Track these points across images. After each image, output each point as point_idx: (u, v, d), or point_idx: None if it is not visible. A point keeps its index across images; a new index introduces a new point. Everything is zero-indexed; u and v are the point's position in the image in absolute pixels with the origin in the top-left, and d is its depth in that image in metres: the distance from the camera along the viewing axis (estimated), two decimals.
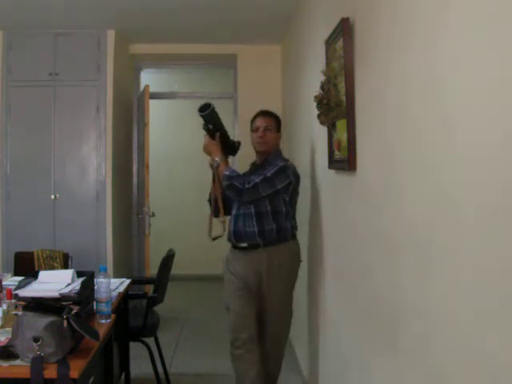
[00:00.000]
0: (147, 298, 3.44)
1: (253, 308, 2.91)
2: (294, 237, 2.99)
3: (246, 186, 2.75)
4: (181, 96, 6.11)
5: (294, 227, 3.00)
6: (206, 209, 3.13)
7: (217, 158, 2.89)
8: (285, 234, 2.90)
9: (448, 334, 1.30)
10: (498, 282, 1.07)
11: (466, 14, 1.21)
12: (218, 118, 2.93)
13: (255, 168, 3.03)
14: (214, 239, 3.03)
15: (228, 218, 3.06)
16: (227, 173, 2.82)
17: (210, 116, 2.85)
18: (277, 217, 2.88)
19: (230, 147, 3.01)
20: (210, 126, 2.90)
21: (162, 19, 4.33)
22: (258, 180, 2.78)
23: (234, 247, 2.99)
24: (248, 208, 2.90)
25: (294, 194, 2.96)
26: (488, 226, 1.11)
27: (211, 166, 2.94)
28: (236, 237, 2.95)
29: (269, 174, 2.79)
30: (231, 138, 3.07)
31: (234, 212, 2.98)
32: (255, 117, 3.09)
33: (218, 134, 2.91)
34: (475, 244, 1.17)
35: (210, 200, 3.11)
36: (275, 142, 3.05)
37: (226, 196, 2.95)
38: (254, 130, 3.05)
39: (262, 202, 2.85)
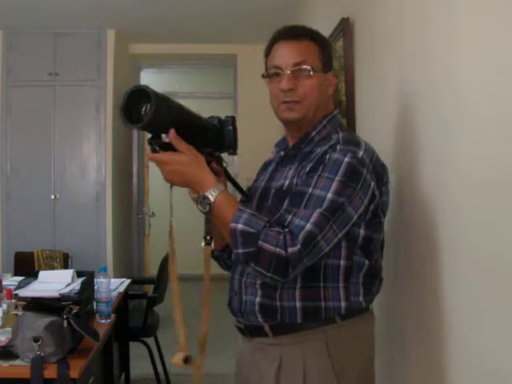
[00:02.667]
0: (147, 297, 3.44)
1: None
2: (365, 309, 1.38)
3: (290, 249, 1.18)
4: (181, 96, 6.09)
5: (374, 293, 1.40)
6: None
7: (209, 193, 1.27)
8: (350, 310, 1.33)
9: None
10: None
11: (466, 14, 1.21)
12: (177, 107, 1.25)
13: (285, 155, 1.45)
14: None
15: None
16: (240, 226, 1.22)
17: (161, 119, 1.19)
18: (335, 278, 1.31)
19: (216, 138, 1.38)
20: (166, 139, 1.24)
21: (162, 19, 4.33)
22: (309, 225, 1.20)
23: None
24: None
25: (379, 218, 1.35)
26: (488, 222, 1.11)
27: (202, 208, 1.31)
28: (232, 306, 1.50)
29: (329, 195, 1.22)
30: (206, 118, 1.39)
31: (234, 257, 1.48)
32: (272, 43, 1.42)
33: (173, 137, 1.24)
34: (476, 243, 1.17)
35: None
36: (323, 95, 1.40)
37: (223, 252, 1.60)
38: (271, 74, 1.40)
39: None
